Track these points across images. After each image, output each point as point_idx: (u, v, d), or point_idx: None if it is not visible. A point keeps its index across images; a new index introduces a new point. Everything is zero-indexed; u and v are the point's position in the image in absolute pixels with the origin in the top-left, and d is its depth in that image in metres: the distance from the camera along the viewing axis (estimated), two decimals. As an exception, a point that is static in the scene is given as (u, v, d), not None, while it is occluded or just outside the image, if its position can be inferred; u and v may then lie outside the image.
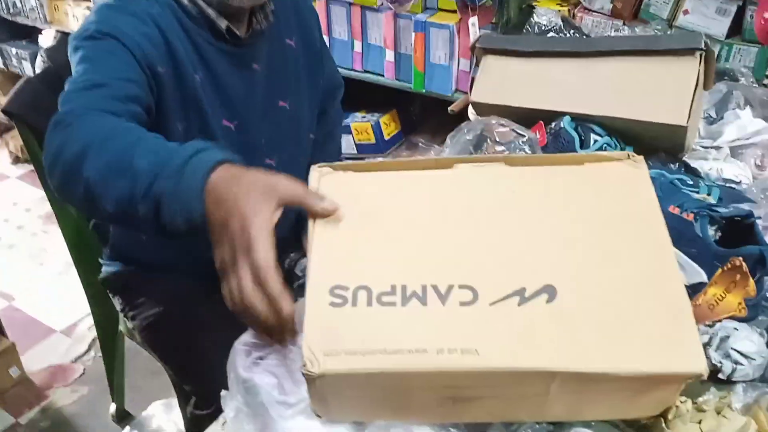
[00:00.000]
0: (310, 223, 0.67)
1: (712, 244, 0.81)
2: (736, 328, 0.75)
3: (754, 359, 0.73)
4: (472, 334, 0.59)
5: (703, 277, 0.80)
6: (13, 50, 2.86)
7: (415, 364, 0.57)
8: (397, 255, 0.65)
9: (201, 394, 1.19)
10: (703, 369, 0.57)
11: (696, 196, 0.94)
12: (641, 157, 0.72)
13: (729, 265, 0.76)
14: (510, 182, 0.71)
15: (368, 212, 0.68)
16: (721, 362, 0.73)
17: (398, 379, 0.59)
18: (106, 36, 0.94)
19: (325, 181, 0.71)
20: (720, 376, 0.73)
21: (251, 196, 0.65)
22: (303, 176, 0.71)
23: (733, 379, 0.73)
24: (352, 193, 0.70)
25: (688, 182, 0.99)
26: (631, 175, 0.70)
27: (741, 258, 0.76)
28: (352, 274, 0.63)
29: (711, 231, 0.84)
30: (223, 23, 1.04)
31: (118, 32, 0.95)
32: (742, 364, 0.73)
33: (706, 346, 0.75)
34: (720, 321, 0.76)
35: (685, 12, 1.52)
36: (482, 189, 0.70)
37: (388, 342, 0.58)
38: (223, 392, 0.75)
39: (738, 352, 0.73)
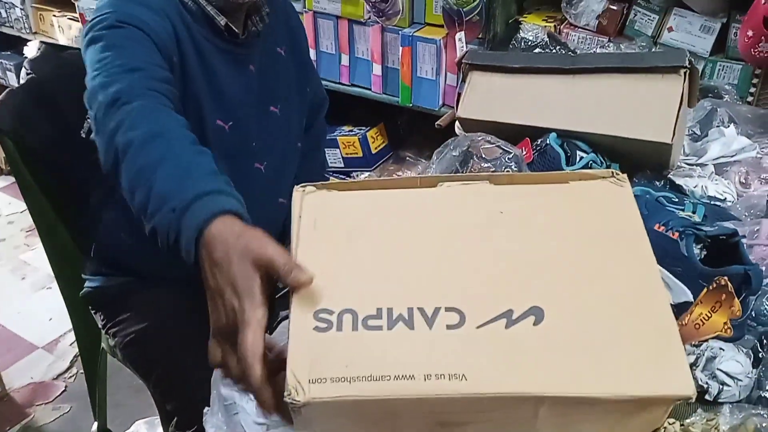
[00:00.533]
0: (293, 244, 0.65)
1: (698, 263, 0.81)
2: (722, 349, 0.75)
3: (741, 380, 0.73)
4: (459, 358, 0.58)
5: (688, 296, 0.79)
6: (-2, 61, 2.84)
7: (403, 390, 0.56)
8: (383, 277, 0.64)
9: (183, 413, 1.17)
10: (691, 392, 0.56)
11: (681, 213, 0.94)
12: (625, 176, 0.72)
13: (714, 285, 0.76)
14: (495, 202, 0.70)
15: (352, 232, 0.67)
16: (707, 383, 0.73)
17: (386, 406, 0.58)
18: (127, 25, 0.95)
19: (307, 201, 0.69)
20: (707, 397, 0.73)
21: (244, 269, 0.62)
22: (290, 184, 0.70)
23: (720, 401, 0.73)
24: (335, 213, 0.69)
25: (674, 200, 0.99)
26: (615, 194, 0.70)
27: (726, 277, 0.76)
28: (337, 297, 0.61)
29: (696, 250, 0.84)
30: (222, 20, 1.06)
31: (138, 21, 0.96)
32: (728, 386, 0.73)
33: (692, 366, 0.74)
34: (706, 341, 0.76)
35: (670, 29, 1.53)
36: (467, 208, 0.70)
37: (375, 368, 0.57)
38: (205, 409, 0.75)
39: (724, 372, 0.73)
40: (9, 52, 2.87)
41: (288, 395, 0.55)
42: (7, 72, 2.81)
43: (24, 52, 2.71)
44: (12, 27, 2.67)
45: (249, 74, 1.14)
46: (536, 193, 0.71)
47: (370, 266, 0.64)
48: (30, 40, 2.65)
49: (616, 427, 0.62)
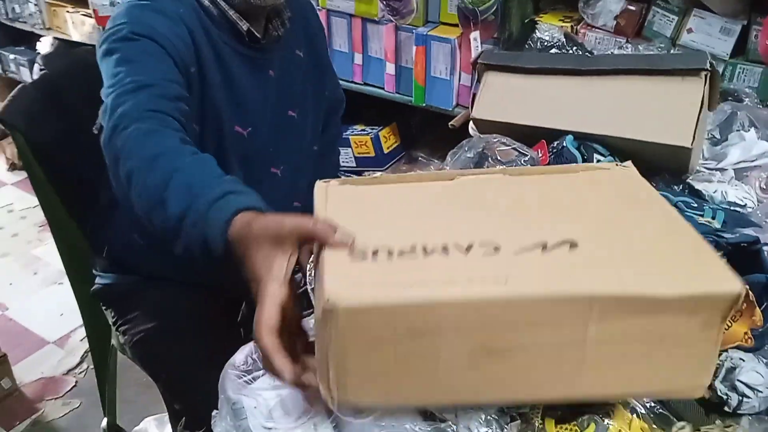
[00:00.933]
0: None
1: (718, 271, 0.78)
2: (742, 359, 0.73)
3: (761, 392, 0.71)
4: (500, 270, 0.58)
5: (708, 304, 0.77)
6: (11, 56, 2.85)
7: (445, 294, 0.55)
8: (415, 228, 0.65)
9: (192, 413, 1.16)
10: (740, 288, 0.56)
11: (700, 219, 0.93)
12: (629, 162, 0.78)
13: (735, 294, 0.74)
14: (514, 185, 0.75)
15: (380, 211, 0.69)
16: (727, 394, 0.71)
17: (427, 317, 0.56)
18: (141, 37, 0.94)
19: (332, 192, 0.72)
20: (726, 409, 0.71)
21: (262, 252, 0.63)
22: (306, 187, 0.72)
23: (740, 412, 0.71)
24: (360, 200, 0.71)
25: (693, 205, 0.97)
26: (624, 174, 0.77)
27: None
28: (369, 239, 0.61)
29: (716, 257, 0.82)
30: (244, 25, 1.05)
31: (153, 33, 0.95)
32: (748, 397, 0.71)
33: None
34: (726, 351, 0.74)
35: (689, 30, 1.51)
36: (488, 190, 0.73)
37: (416, 279, 0.57)
38: (213, 412, 0.74)
39: (744, 384, 0.71)
40: (22, 47, 2.88)
41: (327, 302, 0.54)
42: (21, 67, 2.82)
43: (37, 47, 2.74)
44: (25, 22, 2.67)
45: (268, 79, 1.12)
46: (553, 178, 0.76)
47: (401, 226, 0.66)
48: (43, 36, 2.67)
49: (668, 344, 0.59)
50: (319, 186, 0.72)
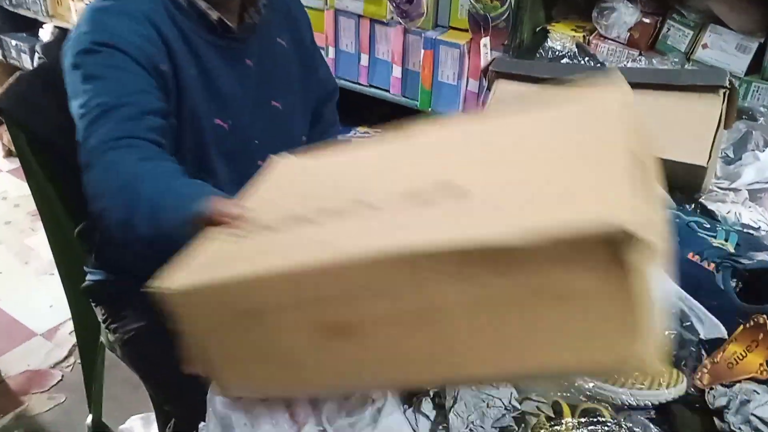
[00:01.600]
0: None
1: (735, 298, 0.76)
2: (756, 392, 0.70)
3: (776, 427, 0.68)
4: (340, 235, 0.53)
5: (721, 331, 0.75)
6: (13, 42, 2.81)
7: (266, 266, 0.53)
8: (325, 193, 0.65)
9: (181, 416, 1.13)
10: (616, 224, 0.42)
11: (713, 242, 0.90)
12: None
13: (752, 323, 0.72)
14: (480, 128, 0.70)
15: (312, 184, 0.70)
16: (740, 428, 0.68)
17: (250, 293, 0.53)
18: (104, 47, 0.91)
19: (280, 167, 0.76)
20: (739, 444, 0.68)
21: None
22: None
23: (753, 448, 0.68)
24: (304, 172, 0.74)
25: (705, 225, 0.94)
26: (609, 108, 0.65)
27: (765, 315, 0.71)
28: (270, 213, 0.63)
29: (732, 283, 0.79)
30: (214, 14, 1.01)
31: (115, 40, 0.91)
32: (762, 432, 0.68)
33: (724, 409, 0.70)
34: (739, 382, 0.71)
35: (704, 46, 1.48)
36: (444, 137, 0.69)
37: (246, 257, 0.56)
38: (201, 424, 0.72)
39: (758, 418, 0.68)
40: (24, 34, 2.84)
41: (159, 288, 0.56)
42: (22, 54, 2.78)
43: (39, 35, 2.70)
44: (29, 9, 2.64)
45: (247, 69, 1.09)
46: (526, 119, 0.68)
47: (320, 196, 0.64)
48: (46, 23, 2.63)
49: (562, 306, 0.47)
50: (272, 160, 0.74)
